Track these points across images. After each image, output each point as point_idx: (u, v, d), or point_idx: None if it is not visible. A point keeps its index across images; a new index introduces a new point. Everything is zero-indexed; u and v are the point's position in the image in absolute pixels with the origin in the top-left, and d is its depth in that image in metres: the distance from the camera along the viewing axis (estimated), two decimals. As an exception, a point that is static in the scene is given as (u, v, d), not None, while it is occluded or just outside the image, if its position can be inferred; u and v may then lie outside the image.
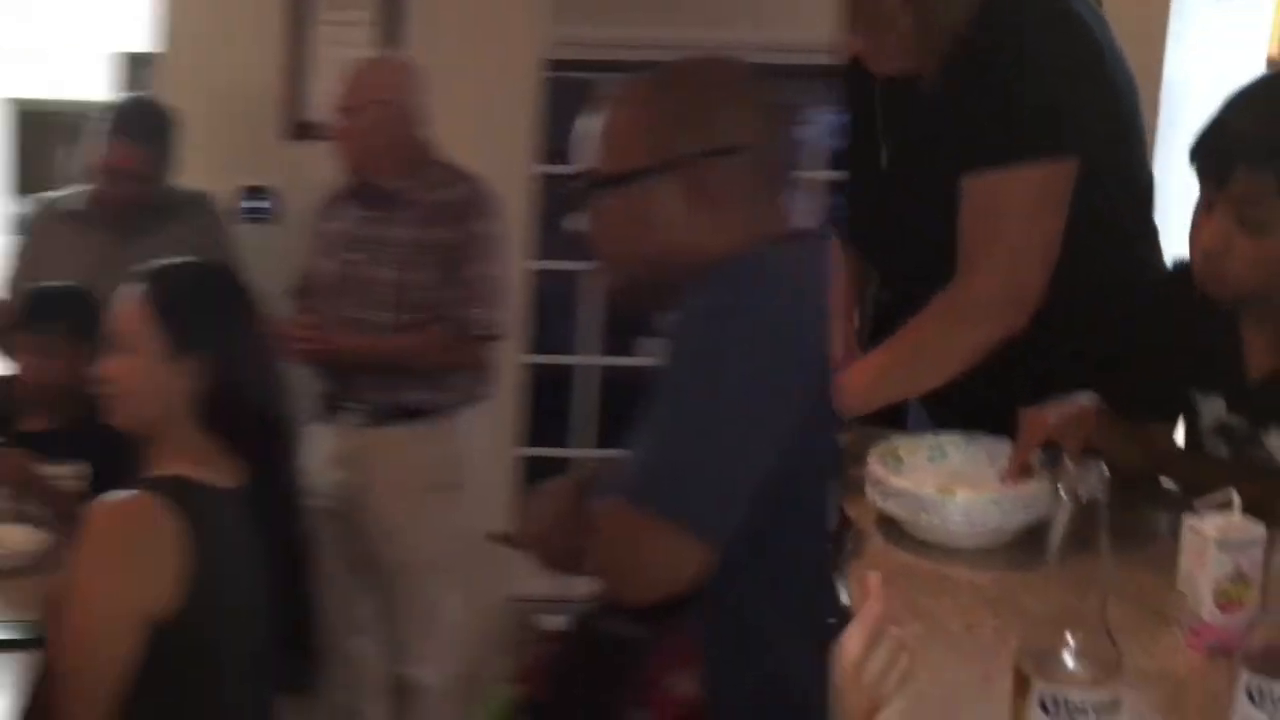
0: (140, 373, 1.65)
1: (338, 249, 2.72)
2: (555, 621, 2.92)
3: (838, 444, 1.25)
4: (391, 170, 2.66)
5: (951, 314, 1.66)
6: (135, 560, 1.55)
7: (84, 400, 2.25)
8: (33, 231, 2.92)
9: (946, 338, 1.67)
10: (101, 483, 2.10)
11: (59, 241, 2.80)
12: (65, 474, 2.28)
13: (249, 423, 1.67)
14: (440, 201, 2.64)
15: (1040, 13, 1.65)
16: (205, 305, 1.69)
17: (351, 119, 2.64)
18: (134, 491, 1.58)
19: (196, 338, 1.63)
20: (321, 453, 2.74)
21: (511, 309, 3.35)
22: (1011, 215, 1.62)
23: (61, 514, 2.17)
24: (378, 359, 2.64)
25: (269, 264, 2.81)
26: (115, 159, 2.73)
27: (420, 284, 2.61)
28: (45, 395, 2.42)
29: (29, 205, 3.05)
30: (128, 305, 1.67)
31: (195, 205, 2.90)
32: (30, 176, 3.03)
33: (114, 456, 2.10)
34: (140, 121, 2.80)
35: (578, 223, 1.40)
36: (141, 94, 3.07)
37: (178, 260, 1.78)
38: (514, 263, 3.33)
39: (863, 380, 1.67)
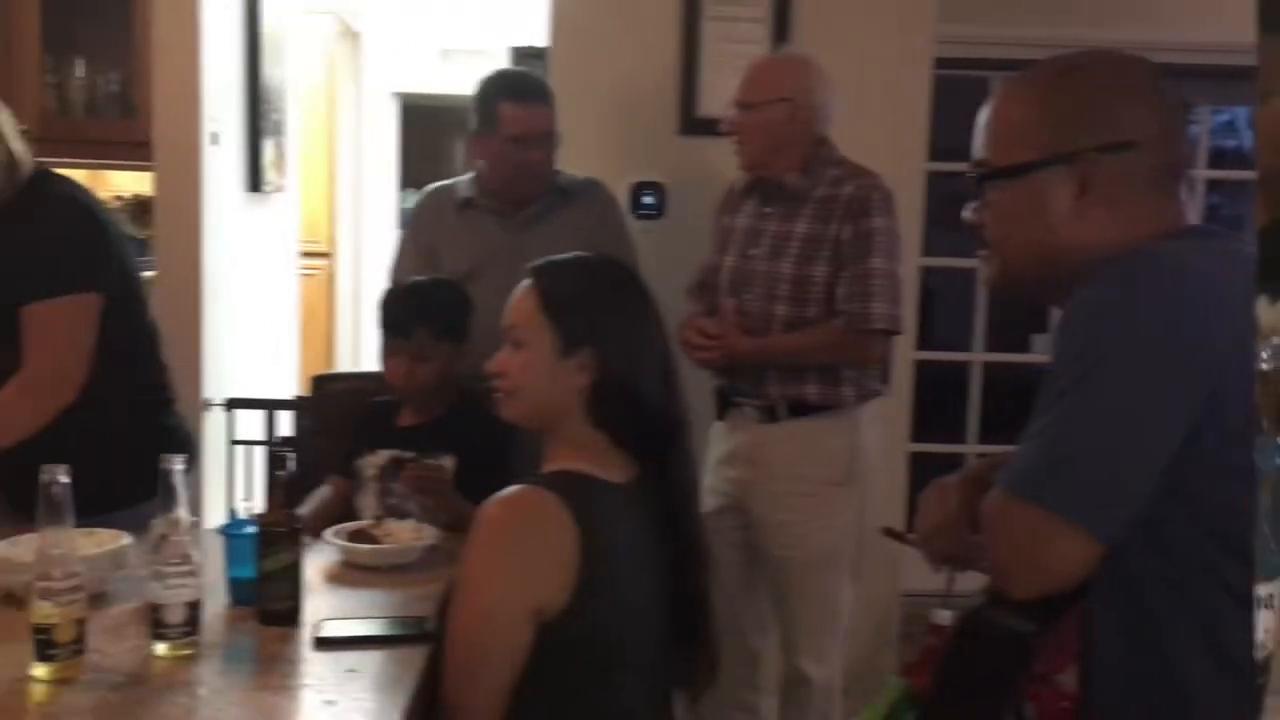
0: (532, 369, 1.65)
1: (737, 245, 2.73)
2: (946, 616, 2.92)
3: (1249, 438, 1.17)
4: (790, 167, 2.65)
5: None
6: (527, 554, 1.55)
7: (452, 394, 2.41)
8: (422, 221, 2.93)
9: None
10: (470, 476, 2.23)
11: (451, 230, 2.84)
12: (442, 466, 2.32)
13: (640, 419, 1.65)
14: (838, 197, 2.62)
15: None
16: (596, 303, 1.67)
17: (752, 115, 2.64)
18: (526, 486, 1.59)
19: (586, 335, 1.62)
20: (719, 449, 2.83)
21: (906, 305, 3.37)
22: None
23: (439, 508, 2.24)
24: (778, 356, 2.65)
25: (659, 259, 2.86)
26: (539, 124, 2.75)
27: (819, 278, 2.60)
28: (412, 395, 2.41)
29: (419, 196, 3.05)
30: (521, 301, 1.68)
31: (588, 192, 2.89)
32: (418, 170, 3.03)
33: (484, 449, 2.23)
34: (540, 82, 2.86)
35: (969, 216, 1.41)
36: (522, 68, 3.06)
37: (569, 256, 1.76)
38: (905, 260, 3.34)
39: None
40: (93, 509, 1.86)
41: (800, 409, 2.66)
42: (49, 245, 2.10)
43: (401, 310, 2.40)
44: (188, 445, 2.39)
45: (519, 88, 2.79)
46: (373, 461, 2.38)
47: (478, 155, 2.83)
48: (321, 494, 2.39)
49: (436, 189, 2.97)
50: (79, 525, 1.82)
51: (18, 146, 2.11)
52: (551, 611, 1.54)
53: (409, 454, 2.33)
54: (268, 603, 1.75)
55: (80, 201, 2.19)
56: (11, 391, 2.11)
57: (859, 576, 2.81)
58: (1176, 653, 1.22)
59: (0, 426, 2.09)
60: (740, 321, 2.67)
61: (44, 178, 2.18)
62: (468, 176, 2.91)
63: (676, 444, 1.70)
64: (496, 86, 2.79)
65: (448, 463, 2.32)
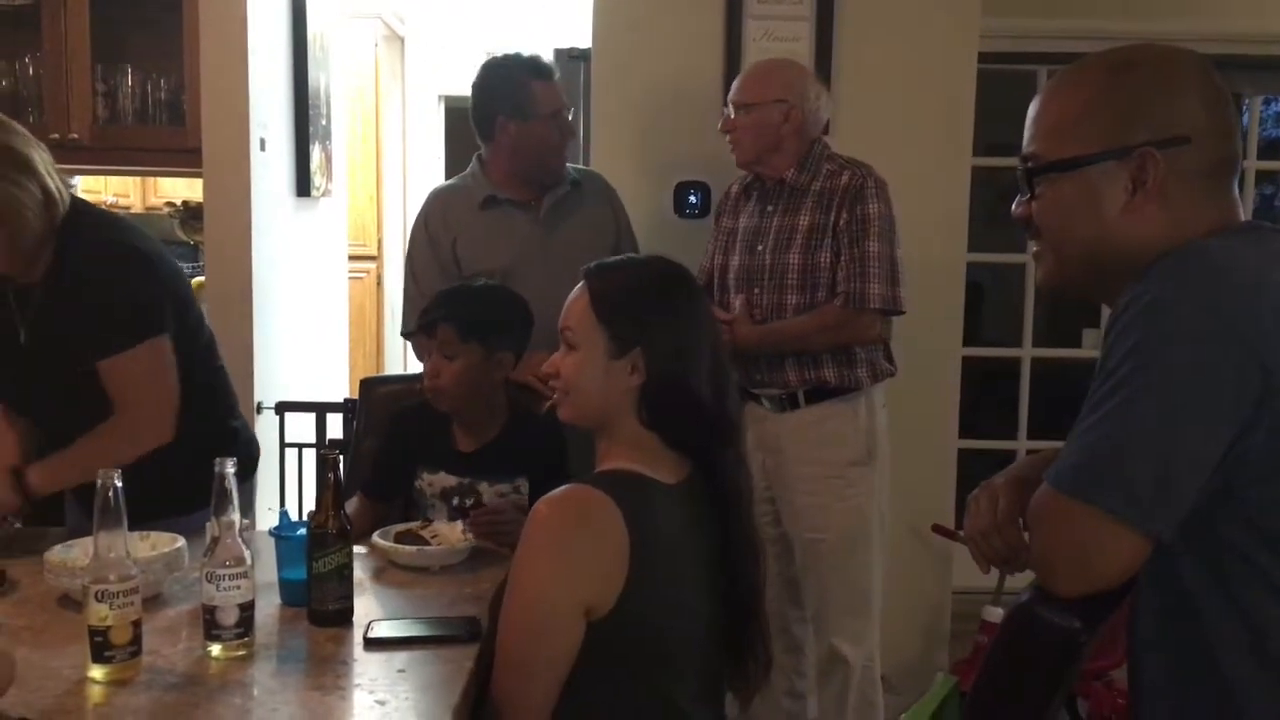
0: (585, 370, 1.66)
1: (743, 243, 2.82)
2: (997, 614, 2.90)
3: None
4: (787, 165, 2.75)
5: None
6: (577, 553, 1.55)
7: (501, 413, 2.34)
8: (437, 226, 2.87)
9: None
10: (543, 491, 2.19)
11: (473, 230, 2.84)
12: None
13: (691, 419, 1.65)
14: (835, 187, 2.71)
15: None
16: (646, 304, 1.66)
17: (749, 115, 2.74)
18: (578, 485, 1.60)
19: (637, 336, 1.63)
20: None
21: (953, 301, 3.35)
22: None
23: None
24: (783, 340, 2.73)
25: (697, 256, 2.88)
26: (561, 99, 2.83)
27: (825, 265, 2.69)
28: (441, 399, 2.31)
29: (424, 203, 2.96)
30: (574, 303, 1.69)
31: (596, 184, 2.95)
32: (460, 170, 2.99)
33: (551, 464, 2.20)
34: (547, 63, 2.87)
35: (1017, 210, 1.39)
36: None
37: (621, 258, 1.77)
38: (952, 255, 3.33)
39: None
40: (161, 513, 1.95)
41: (818, 394, 2.74)
42: (112, 303, 2.13)
43: (431, 308, 2.36)
44: (251, 448, 2.46)
45: (540, 67, 2.84)
46: (432, 482, 2.33)
47: (510, 144, 2.81)
48: (350, 505, 2.31)
49: (444, 191, 2.97)
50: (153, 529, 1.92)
51: (53, 184, 2.12)
52: (602, 610, 1.54)
53: (469, 500, 2.28)
54: (320, 603, 1.77)
55: (126, 244, 2.19)
56: (109, 437, 2.12)
57: (912, 573, 2.81)
58: (1222, 651, 1.21)
59: (80, 475, 2.07)
60: (752, 315, 2.75)
61: (81, 219, 2.18)
62: (470, 174, 2.91)
63: (728, 444, 1.69)
64: (519, 70, 2.82)
65: (522, 485, 2.31)
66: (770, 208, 2.79)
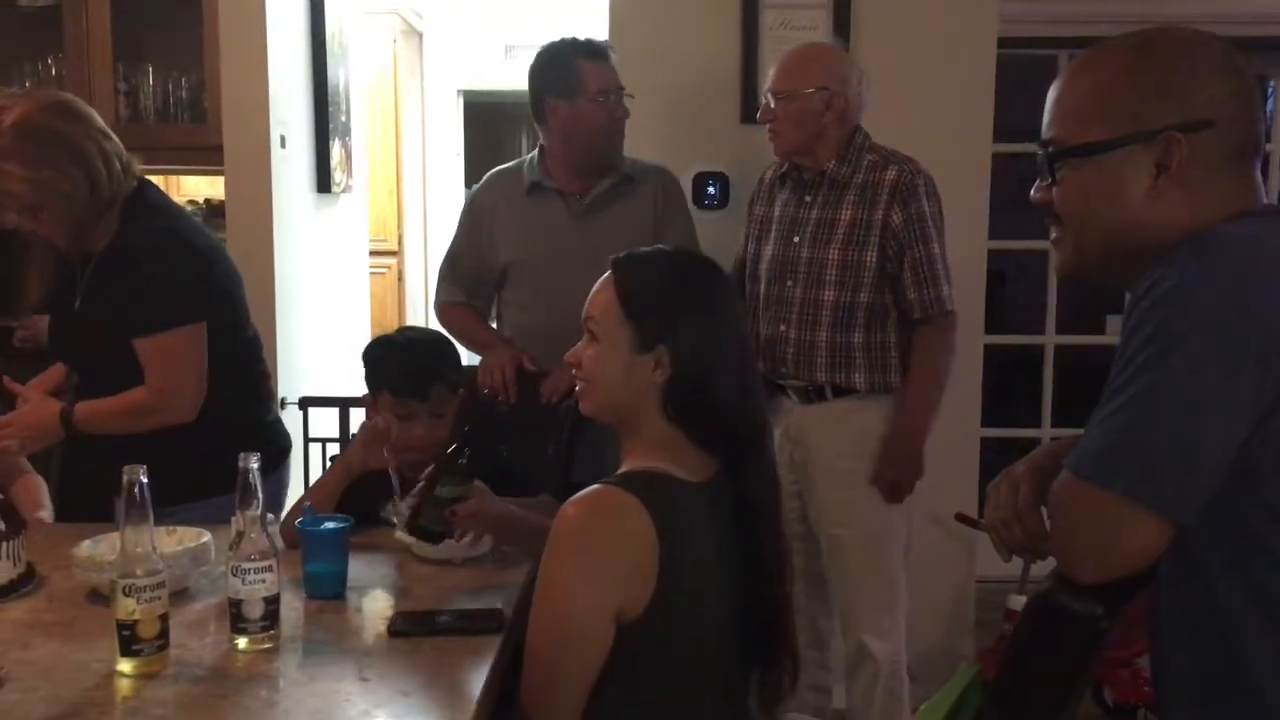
0: (607, 362, 1.63)
1: (779, 234, 2.75)
2: (1022, 602, 2.89)
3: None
4: (828, 155, 2.67)
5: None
6: (606, 557, 1.52)
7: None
8: (483, 208, 2.90)
9: None
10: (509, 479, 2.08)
11: (515, 215, 2.85)
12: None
13: (716, 416, 1.62)
14: (882, 181, 2.64)
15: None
16: (674, 299, 1.63)
17: (790, 105, 2.65)
18: (605, 487, 1.56)
19: (663, 331, 1.60)
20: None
21: (974, 288, 3.33)
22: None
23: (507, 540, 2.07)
24: (933, 393, 2.68)
25: (723, 249, 2.81)
26: (615, 79, 2.80)
27: (870, 263, 2.62)
28: (432, 457, 2.02)
29: (482, 181, 3.01)
30: (600, 294, 1.66)
31: (652, 179, 2.88)
32: (482, 166, 2.98)
33: (494, 466, 2.06)
34: (600, 44, 2.86)
35: (1036, 196, 1.38)
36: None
37: (651, 250, 1.73)
38: (973, 242, 3.31)
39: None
40: (199, 495, 2.11)
41: (843, 388, 2.71)
42: (155, 287, 2.28)
43: (412, 374, 2.18)
44: (286, 442, 2.61)
45: (592, 47, 2.81)
46: (401, 510, 2.11)
47: (561, 127, 2.80)
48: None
49: (501, 173, 2.97)
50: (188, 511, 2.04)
51: (104, 169, 2.25)
52: (632, 614, 1.52)
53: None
54: (428, 523, 1.88)
55: (177, 235, 2.35)
56: (132, 404, 2.30)
57: (937, 563, 2.80)
58: (1243, 637, 1.20)
59: (109, 426, 2.30)
60: (786, 311, 2.70)
61: (145, 204, 2.35)
62: (528, 160, 2.91)
63: (755, 443, 1.66)
64: (569, 51, 2.80)
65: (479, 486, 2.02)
66: (808, 198, 2.72)
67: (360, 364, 2.33)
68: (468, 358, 2.54)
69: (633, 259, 1.68)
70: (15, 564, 1.87)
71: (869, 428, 2.71)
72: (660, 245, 1.77)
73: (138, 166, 2.36)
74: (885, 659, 2.76)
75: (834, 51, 2.80)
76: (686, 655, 1.58)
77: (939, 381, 2.71)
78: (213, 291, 2.37)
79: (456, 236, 2.95)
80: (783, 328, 2.73)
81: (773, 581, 1.67)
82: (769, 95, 2.70)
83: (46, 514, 2.39)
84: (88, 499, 2.26)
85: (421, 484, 1.92)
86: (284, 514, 2.18)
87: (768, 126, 2.72)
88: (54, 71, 3.53)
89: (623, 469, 1.62)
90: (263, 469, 1.67)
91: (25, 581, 1.89)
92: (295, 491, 3.53)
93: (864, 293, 2.65)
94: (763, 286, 2.77)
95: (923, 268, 2.62)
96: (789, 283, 2.71)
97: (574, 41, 2.82)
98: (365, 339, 4.73)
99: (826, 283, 2.66)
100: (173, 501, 2.02)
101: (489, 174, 3.00)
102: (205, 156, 3.48)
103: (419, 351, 2.26)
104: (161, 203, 2.46)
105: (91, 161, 2.23)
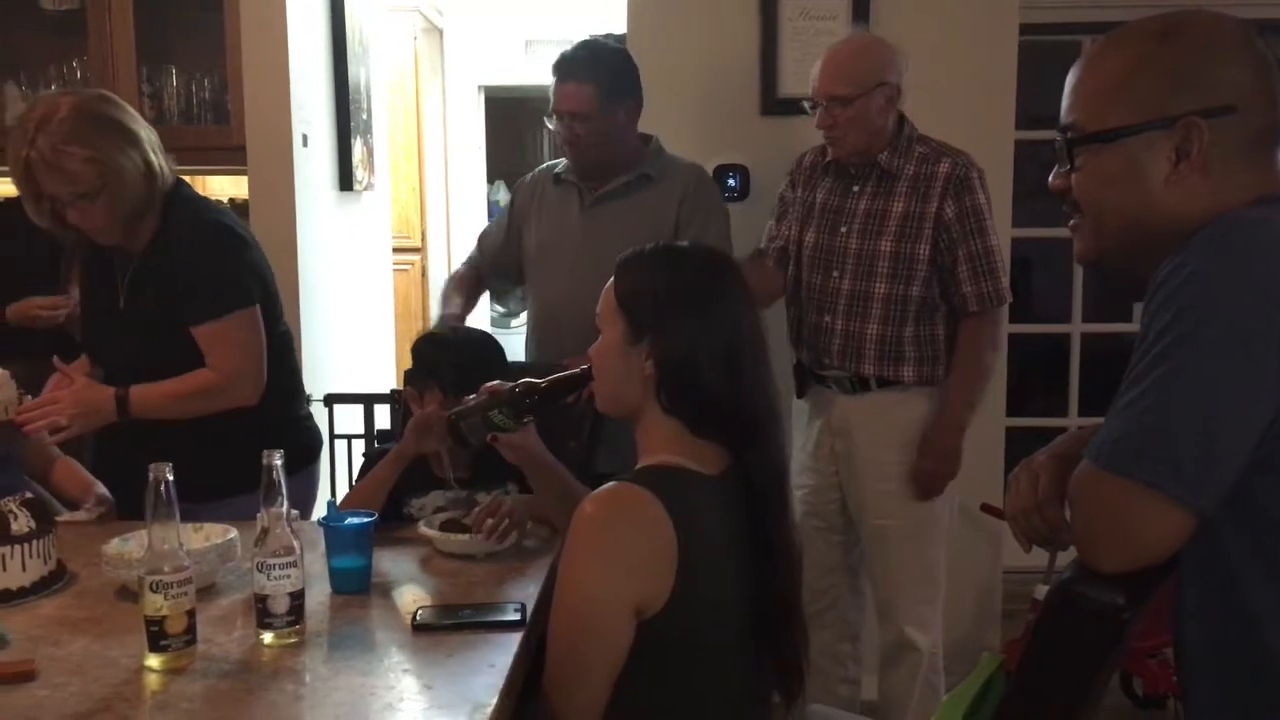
0: (608, 355, 1.67)
1: (823, 222, 2.72)
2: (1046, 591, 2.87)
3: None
4: (882, 147, 2.64)
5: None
6: (625, 553, 1.53)
7: None
8: (521, 196, 2.96)
9: None
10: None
11: (542, 205, 2.88)
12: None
13: (706, 407, 1.61)
14: (935, 174, 2.61)
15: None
16: (662, 292, 1.63)
17: (850, 108, 2.58)
18: (622, 483, 1.57)
19: (649, 323, 1.62)
20: (809, 426, 2.85)
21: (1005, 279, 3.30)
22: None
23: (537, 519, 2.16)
24: (979, 386, 2.67)
25: (744, 241, 2.87)
26: (564, 104, 2.73)
27: (923, 256, 2.60)
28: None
29: (537, 169, 3.04)
30: (605, 290, 1.69)
31: (675, 177, 2.82)
32: (504, 162, 2.99)
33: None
34: (588, 62, 2.75)
35: (1055, 182, 1.37)
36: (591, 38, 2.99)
37: (655, 245, 1.72)
38: (1000, 229, 3.28)
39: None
40: (237, 491, 2.05)
41: (887, 380, 2.69)
42: (209, 274, 2.33)
43: (465, 367, 2.24)
44: (317, 439, 2.63)
45: (561, 64, 2.78)
46: (424, 505, 2.31)
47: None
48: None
49: (545, 165, 3.02)
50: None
51: (155, 158, 2.31)
52: (654, 609, 1.53)
53: (463, 513, 2.17)
54: (468, 431, 1.93)
55: (223, 224, 2.41)
56: (200, 385, 2.31)
57: (963, 552, 2.78)
58: (1264, 624, 1.19)
59: (169, 410, 2.29)
60: (832, 301, 2.69)
61: (184, 199, 2.40)
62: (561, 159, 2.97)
63: (760, 437, 1.64)
64: (555, 63, 2.80)
65: (512, 489, 2.24)
66: (856, 188, 2.69)
67: (386, 360, 2.35)
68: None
69: (631, 255, 1.70)
70: (46, 561, 1.90)
71: (915, 419, 2.69)
72: (668, 242, 1.78)
73: (173, 164, 2.39)
74: (926, 649, 2.76)
75: (879, 43, 2.71)
76: (711, 647, 1.59)
77: (984, 376, 2.70)
78: (255, 280, 2.40)
79: (497, 217, 3.07)
80: (828, 318, 2.71)
81: (780, 574, 1.66)
82: (822, 100, 2.62)
83: (101, 489, 2.37)
84: (125, 495, 2.28)
85: (479, 397, 1.93)
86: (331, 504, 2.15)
87: (824, 132, 2.66)
88: (79, 74, 3.56)
89: (639, 465, 1.64)
90: (292, 466, 1.69)
91: (56, 579, 1.92)
92: (324, 489, 3.57)
93: (915, 286, 2.63)
94: (804, 274, 2.75)
95: (980, 260, 2.62)
96: (834, 273, 2.69)
97: (562, 53, 2.81)
98: (389, 337, 4.77)
99: (878, 275, 2.64)
100: (213, 498, 2.09)
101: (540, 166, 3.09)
102: (228, 156, 3.50)
103: (471, 350, 2.36)
104: (200, 197, 2.51)
105: (145, 146, 2.29)
